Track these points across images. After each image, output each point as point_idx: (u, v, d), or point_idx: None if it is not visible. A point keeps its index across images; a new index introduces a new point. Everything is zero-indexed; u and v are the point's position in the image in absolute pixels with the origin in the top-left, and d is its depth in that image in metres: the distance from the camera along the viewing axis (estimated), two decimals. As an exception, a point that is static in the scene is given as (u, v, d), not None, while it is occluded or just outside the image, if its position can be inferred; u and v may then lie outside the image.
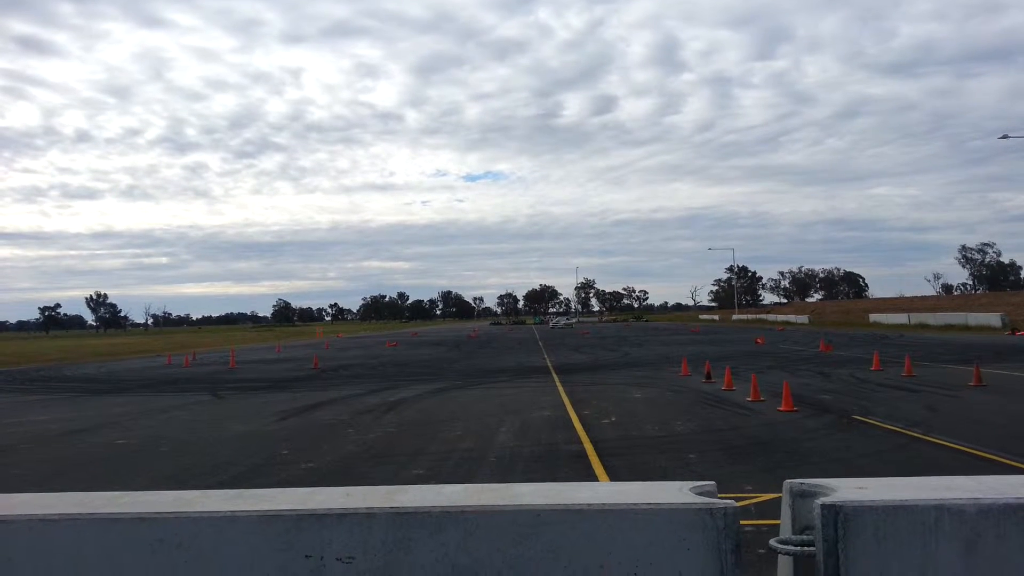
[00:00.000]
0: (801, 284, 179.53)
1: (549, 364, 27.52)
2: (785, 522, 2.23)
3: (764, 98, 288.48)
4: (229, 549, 1.98)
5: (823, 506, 1.98)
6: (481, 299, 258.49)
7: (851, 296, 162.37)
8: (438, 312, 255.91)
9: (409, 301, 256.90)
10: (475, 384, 20.16)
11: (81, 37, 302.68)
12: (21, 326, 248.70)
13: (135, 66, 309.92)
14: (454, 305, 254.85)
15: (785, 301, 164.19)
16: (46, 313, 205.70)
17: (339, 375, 25.27)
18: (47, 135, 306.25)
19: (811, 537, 2.06)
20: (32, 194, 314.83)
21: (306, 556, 1.98)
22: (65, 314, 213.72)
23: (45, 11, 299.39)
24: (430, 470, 8.92)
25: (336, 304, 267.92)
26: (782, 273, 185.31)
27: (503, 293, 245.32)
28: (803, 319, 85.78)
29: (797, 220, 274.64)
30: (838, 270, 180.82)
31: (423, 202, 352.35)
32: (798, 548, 2.07)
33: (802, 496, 2.17)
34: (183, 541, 1.99)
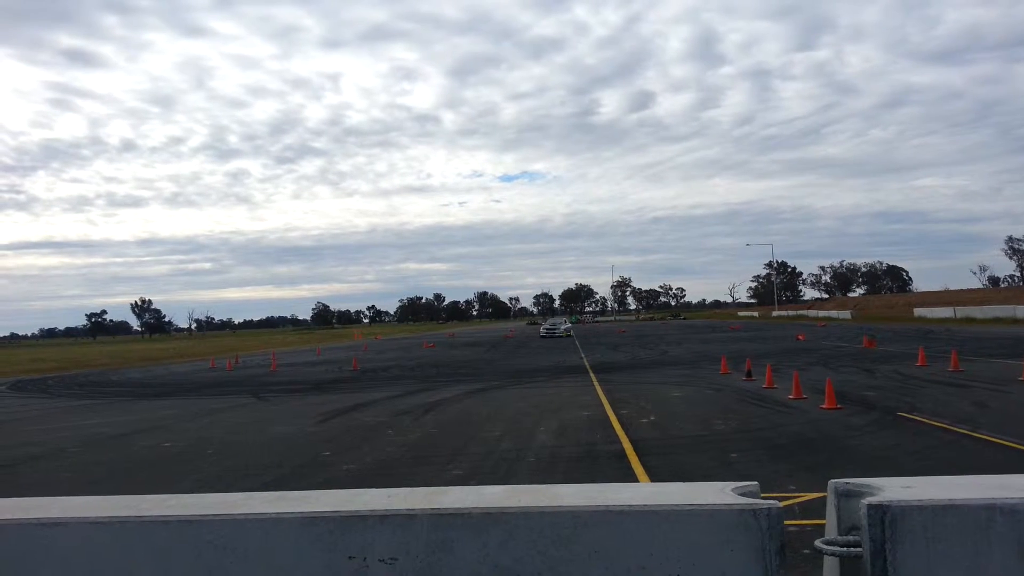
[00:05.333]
0: (843, 279, 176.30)
1: (586, 363, 27.43)
2: (830, 522, 2.20)
3: (805, 90, 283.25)
4: (275, 550, 2.01)
5: (869, 506, 1.95)
6: (517, 299, 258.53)
7: (894, 290, 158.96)
8: (474, 313, 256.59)
9: (446, 302, 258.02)
10: (513, 384, 20.18)
11: (125, 48, 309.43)
12: (69, 332, 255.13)
13: (178, 75, 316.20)
14: (490, 306, 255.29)
15: (826, 296, 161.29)
16: (93, 319, 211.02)
17: (378, 377, 25.49)
18: (93, 145, 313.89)
19: (857, 538, 2.03)
20: (80, 203, 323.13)
21: (349, 557, 2.00)
22: (111, 320, 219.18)
23: (91, 24, 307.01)
24: (470, 471, 8.95)
25: (374, 306, 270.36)
26: (823, 268, 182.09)
27: (539, 293, 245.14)
28: (845, 314, 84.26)
29: (839, 213, 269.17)
30: (881, 264, 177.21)
31: (460, 203, 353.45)
32: (844, 549, 2.03)
33: (847, 496, 2.13)
34: (229, 543, 2.03)
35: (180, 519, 2.08)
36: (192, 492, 8.15)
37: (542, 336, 56.49)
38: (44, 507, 2.22)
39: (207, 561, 2.03)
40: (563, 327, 59.43)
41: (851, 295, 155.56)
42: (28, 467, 10.74)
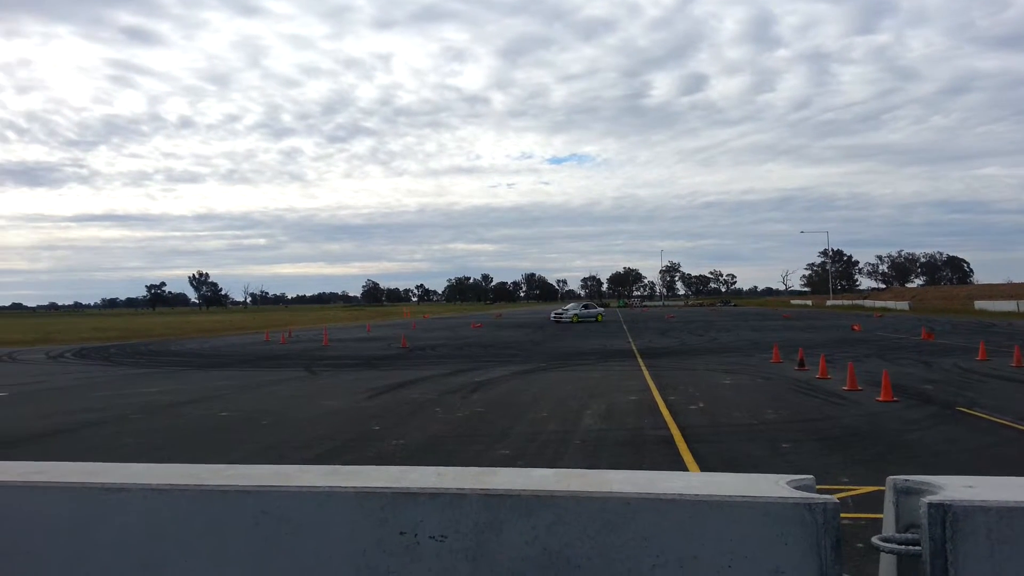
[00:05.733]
0: (900, 269, 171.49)
1: (634, 348, 27.27)
2: (888, 519, 2.14)
3: (864, 74, 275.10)
4: (328, 523, 2.05)
5: (930, 505, 1.89)
6: (565, 282, 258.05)
7: (954, 282, 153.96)
8: (521, 294, 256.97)
9: (493, 283, 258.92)
10: (559, 366, 20.18)
11: (183, 27, 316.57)
12: (130, 303, 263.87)
13: (233, 54, 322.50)
14: (537, 287, 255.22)
15: (883, 287, 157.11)
16: (152, 291, 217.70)
17: (426, 355, 25.75)
18: (152, 121, 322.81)
19: (916, 536, 1.97)
20: (139, 178, 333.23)
21: (400, 533, 2.02)
22: (170, 292, 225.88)
23: (150, 2, 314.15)
24: (516, 451, 9.00)
25: (422, 285, 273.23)
26: (880, 257, 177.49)
27: (587, 276, 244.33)
28: (902, 305, 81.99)
29: (898, 202, 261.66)
30: (940, 254, 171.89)
31: (508, 185, 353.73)
32: (902, 547, 1.98)
33: (907, 493, 2.07)
34: (285, 514, 2.07)
35: (237, 489, 2.13)
36: (247, 461, 8.37)
37: (552, 320, 56.85)
38: (107, 472, 2.29)
39: (263, 531, 2.07)
40: (571, 312, 57.96)
41: (909, 286, 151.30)
42: (91, 432, 11.16)
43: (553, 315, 58.87)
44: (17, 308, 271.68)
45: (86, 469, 2.35)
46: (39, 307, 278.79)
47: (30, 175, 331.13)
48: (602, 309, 68.53)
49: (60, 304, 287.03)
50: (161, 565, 2.09)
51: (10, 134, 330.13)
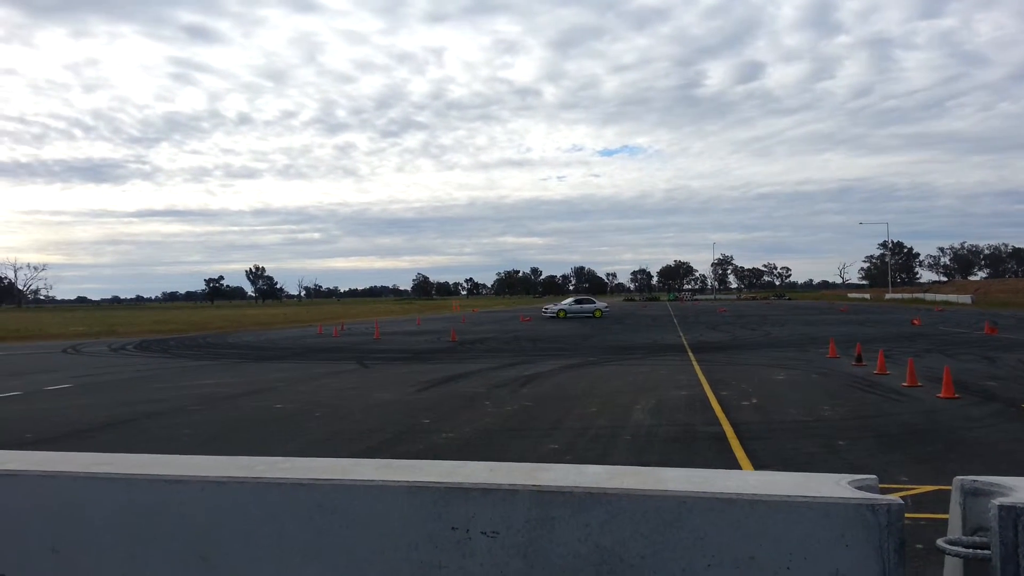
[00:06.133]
0: (963, 261, 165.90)
1: (684, 342, 26.96)
2: (954, 521, 2.06)
3: (929, 60, 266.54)
4: (381, 516, 2.06)
5: (1001, 507, 1.81)
6: (614, 275, 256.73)
7: (1020, 275, 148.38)
8: (570, 287, 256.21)
9: (542, 276, 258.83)
10: (609, 360, 20.07)
11: (241, 24, 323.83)
12: (189, 296, 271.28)
13: (290, 51, 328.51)
14: (587, 281, 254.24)
15: (945, 279, 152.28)
16: (211, 284, 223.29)
17: (476, 348, 25.88)
18: (212, 118, 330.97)
19: (985, 539, 1.89)
20: (199, 174, 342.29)
21: (452, 528, 2.02)
22: (228, 285, 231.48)
23: (209, 0, 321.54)
24: (566, 446, 8.98)
25: (471, 279, 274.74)
26: (942, 249, 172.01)
27: (637, 269, 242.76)
28: (965, 299, 79.31)
29: (961, 192, 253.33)
30: (1006, 246, 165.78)
31: (559, 177, 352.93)
32: (970, 551, 1.90)
33: (975, 494, 1.99)
34: (339, 506, 2.09)
35: (292, 482, 2.15)
36: (300, 453, 8.53)
37: (544, 316, 53.93)
38: (167, 464, 2.35)
39: (317, 523, 2.10)
40: (556, 308, 53.92)
41: (972, 278, 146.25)
42: (152, 422, 11.50)
43: (544, 310, 55.95)
44: (82, 302, 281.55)
45: (146, 461, 2.42)
46: (103, 300, 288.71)
47: (95, 172, 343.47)
48: (603, 304, 57.89)
49: (122, 298, 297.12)
50: (219, 555, 2.14)
51: (77, 132, 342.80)
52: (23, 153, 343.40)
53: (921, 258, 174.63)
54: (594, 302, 56.34)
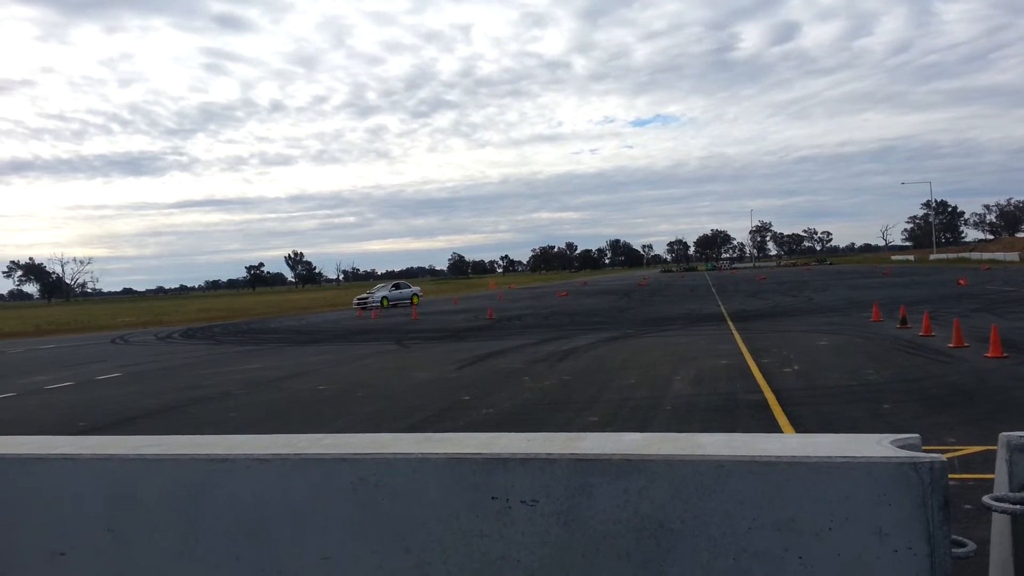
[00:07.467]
0: (1011, 218, 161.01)
1: (724, 311, 26.70)
2: (1000, 478, 2.03)
3: (971, 11, 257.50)
4: (423, 488, 2.10)
5: None
6: (650, 247, 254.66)
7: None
8: (607, 261, 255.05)
9: (578, 251, 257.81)
10: (647, 332, 19.98)
11: (270, 11, 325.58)
12: (231, 284, 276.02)
13: (319, 35, 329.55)
14: (623, 254, 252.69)
15: (991, 238, 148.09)
16: (252, 271, 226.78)
17: (513, 325, 25.95)
18: (246, 107, 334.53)
19: None
20: (236, 163, 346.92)
21: (492, 498, 2.05)
22: (268, 272, 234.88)
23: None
24: (605, 418, 8.99)
25: (507, 256, 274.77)
26: (988, 207, 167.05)
27: (673, 240, 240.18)
28: (1012, 256, 77.21)
29: (1008, 147, 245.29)
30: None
31: (591, 151, 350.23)
32: (1017, 506, 1.88)
33: (1021, 450, 1.95)
34: (381, 480, 2.13)
35: (335, 456, 2.20)
36: (345, 432, 8.67)
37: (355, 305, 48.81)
38: (213, 444, 2.42)
39: (360, 496, 2.14)
40: (378, 296, 48.96)
41: (1020, 236, 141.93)
42: (199, 407, 11.78)
43: (356, 300, 49.37)
44: (128, 293, 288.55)
45: (194, 442, 2.49)
46: (148, 291, 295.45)
47: (134, 165, 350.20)
48: (417, 289, 56.06)
49: (167, 288, 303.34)
50: (267, 531, 2.19)
51: (115, 126, 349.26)
52: (64, 150, 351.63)
53: (966, 216, 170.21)
54: (410, 288, 54.41)
